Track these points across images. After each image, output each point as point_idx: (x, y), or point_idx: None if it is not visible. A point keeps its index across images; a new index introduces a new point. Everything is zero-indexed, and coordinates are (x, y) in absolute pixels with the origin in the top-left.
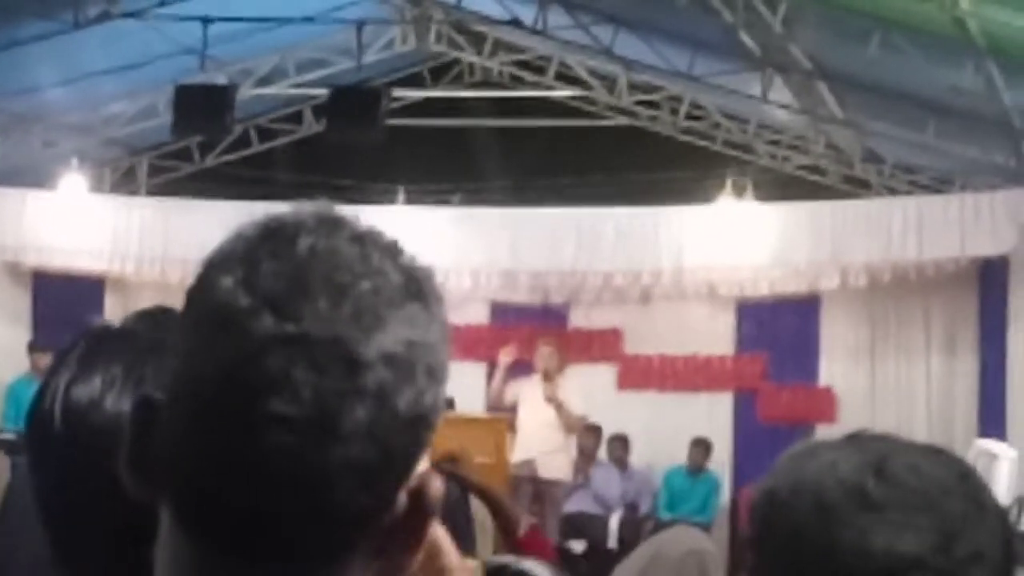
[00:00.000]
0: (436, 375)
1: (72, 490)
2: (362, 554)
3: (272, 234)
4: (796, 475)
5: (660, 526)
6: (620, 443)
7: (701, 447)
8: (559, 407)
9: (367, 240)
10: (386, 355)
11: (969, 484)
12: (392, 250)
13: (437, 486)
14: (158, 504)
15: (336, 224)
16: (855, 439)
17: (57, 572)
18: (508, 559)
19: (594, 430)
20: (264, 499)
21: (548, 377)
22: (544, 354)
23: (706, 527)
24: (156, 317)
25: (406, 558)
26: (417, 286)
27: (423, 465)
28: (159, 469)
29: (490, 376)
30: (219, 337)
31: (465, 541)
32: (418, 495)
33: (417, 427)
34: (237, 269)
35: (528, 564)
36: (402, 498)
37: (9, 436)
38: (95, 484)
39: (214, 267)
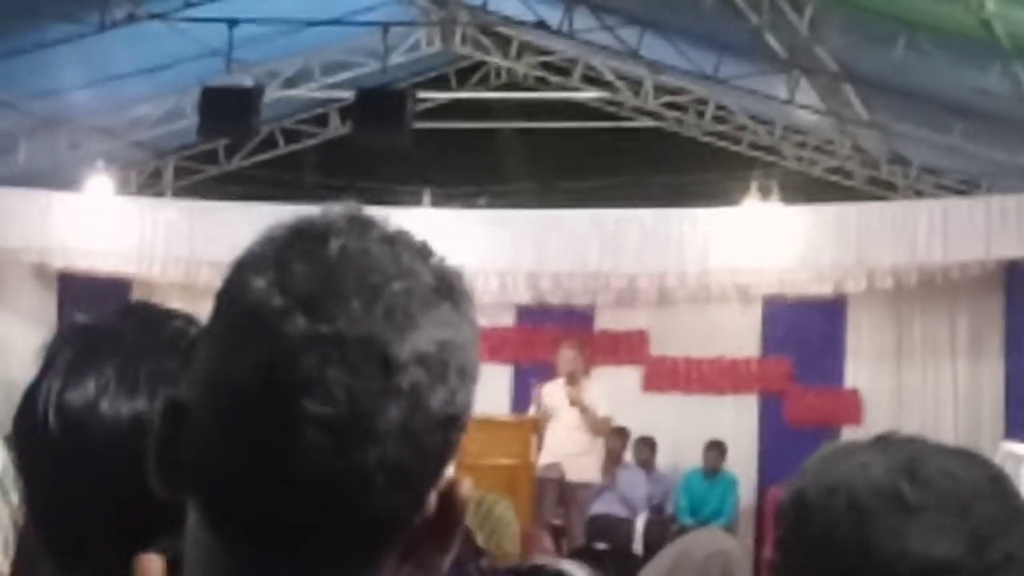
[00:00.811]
0: (467, 375)
1: (67, 493)
2: (394, 555)
3: (302, 235)
4: (827, 476)
5: (683, 531)
6: (646, 445)
7: (716, 450)
8: (583, 410)
9: (397, 241)
10: (419, 355)
11: (1000, 487)
12: (423, 251)
13: (467, 487)
14: (184, 505)
15: (366, 225)
16: (883, 441)
17: (55, 572)
18: (546, 560)
19: (621, 432)
20: (298, 499)
21: (572, 380)
22: (567, 357)
23: (728, 529)
24: (140, 316)
25: (436, 559)
26: (448, 286)
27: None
28: (188, 471)
29: (516, 378)
30: (252, 338)
31: None
32: (448, 496)
33: (449, 427)
34: (269, 271)
35: (565, 564)
36: (432, 499)
37: None
38: (91, 487)
39: (245, 269)
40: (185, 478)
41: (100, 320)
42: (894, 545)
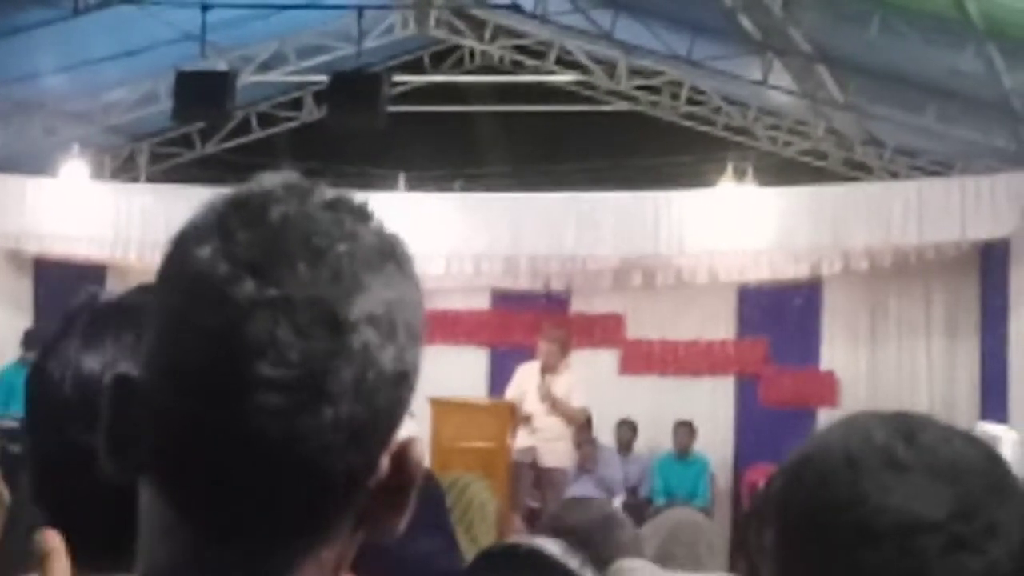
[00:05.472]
0: (415, 334)
1: (67, 450)
2: (349, 519)
3: (243, 205)
4: (829, 436)
5: (659, 512)
6: (628, 428)
7: (685, 428)
8: (554, 403)
9: (338, 205)
10: (369, 315)
11: (996, 466)
12: (363, 214)
13: (419, 449)
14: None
15: (305, 192)
16: (894, 414)
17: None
18: (520, 538)
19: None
20: (255, 463)
21: (546, 370)
22: (543, 350)
23: (705, 511)
24: None
25: (390, 523)
26: (390, 248)
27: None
28: (141, 448)
29: (492, 362)
30: (200, 306)
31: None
32: (401, 458)
33: (400, 385)
34: (212, 240)
35: (540, 541)
36: (384, 462)
37: (9, 423)
38: (91, 446)
39: (187, 241)
40: (137, 455)
41: (121, 295)
42: (878, 499)
